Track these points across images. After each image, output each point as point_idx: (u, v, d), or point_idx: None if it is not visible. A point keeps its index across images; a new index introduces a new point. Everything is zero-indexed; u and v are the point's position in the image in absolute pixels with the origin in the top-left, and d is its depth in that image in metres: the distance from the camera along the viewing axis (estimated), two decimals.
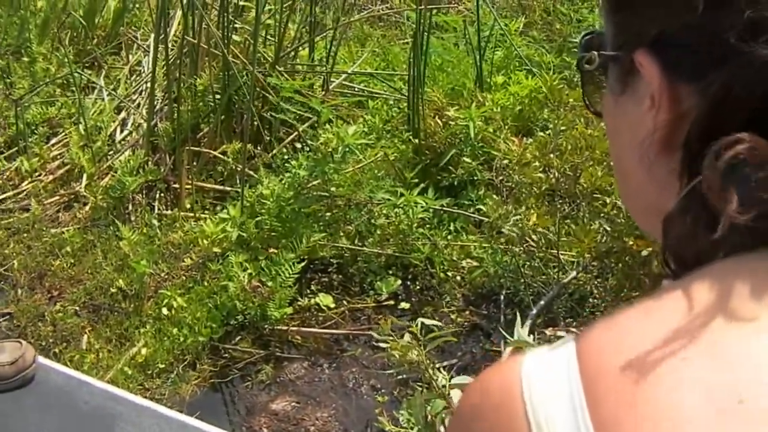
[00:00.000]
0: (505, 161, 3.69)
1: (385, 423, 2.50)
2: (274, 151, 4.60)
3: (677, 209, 0.65)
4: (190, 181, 4.48)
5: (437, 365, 2.77)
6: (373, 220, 4.09)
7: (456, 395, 2.48)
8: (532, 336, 3.24)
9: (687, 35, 0.68)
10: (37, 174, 4.89)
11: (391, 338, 2.47)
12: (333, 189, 4.04)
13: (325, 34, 5.21)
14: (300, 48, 5.05)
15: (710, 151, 0.63)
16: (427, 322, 2.72)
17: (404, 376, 3.26)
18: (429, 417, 2.45)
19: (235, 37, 4.77)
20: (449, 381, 2.52)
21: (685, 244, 0.65)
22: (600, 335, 0.62)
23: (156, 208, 4.50)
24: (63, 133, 5.12)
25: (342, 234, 4.10)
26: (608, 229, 3.31)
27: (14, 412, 2.18)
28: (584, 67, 0.79)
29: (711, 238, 0.61)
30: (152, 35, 5.34)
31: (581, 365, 0.59)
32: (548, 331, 3.49)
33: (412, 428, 2.47)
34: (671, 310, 0.61)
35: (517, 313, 3.29)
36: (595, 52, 0.77)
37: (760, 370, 0.56)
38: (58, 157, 4.99)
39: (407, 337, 2.51)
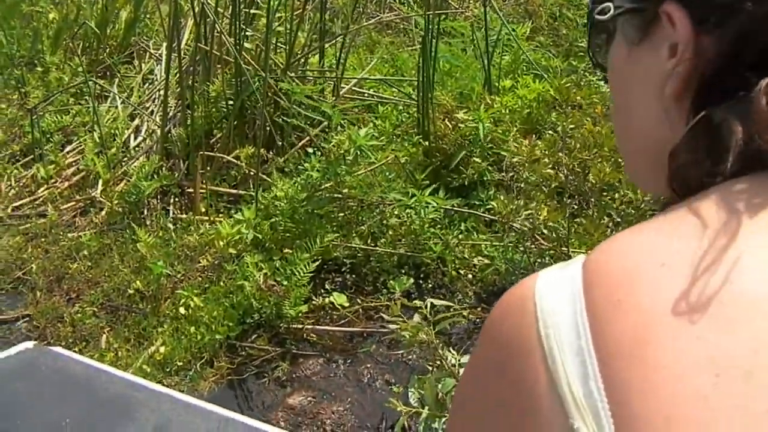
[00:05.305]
0: (515, 159, 3.75)
1: (397, 404, 2.54)
2: (287, 155, 4.67)
3: (685, 140, 0.72)
4: (204, 186, 4.55)
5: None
6: (385, 221, 4.16)
7: None
8: None
9: None
10: (53, 181, 4.97)
11: (400, 319, 2.52)
12: (345, 190, 4.10)
13: (334, 41, 5.30)
14: (310, 55, 5.13)
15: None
16: (437, 302, 2.77)
17: (417, 363, 3.31)
18: (440, 395, 2.50)
19: (246, 45, 4.85)
20: (459, 360, 2.56)
21: (691, 171, 0.71)
22: (604, 247, 0.69)
23: (171, 212, 4.58)
24: (78, 141, 5.20)
25: (355, 234, 4.16)
26: (618, 220, 3.36)
27: (35, 398, 2.25)
28: (596, 17, 0.83)
29: (716, 165, 0.68)
30: (164, 44, 5.43)
31: (584, 273, 0.67)
32: None
33: (422, 407, 2.51)
34: (672, 222, 0.68)
35: None
36: (610, 3, 0.81)
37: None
38: (74, 164, 5.07)
39: (417, 317, 2.57)
